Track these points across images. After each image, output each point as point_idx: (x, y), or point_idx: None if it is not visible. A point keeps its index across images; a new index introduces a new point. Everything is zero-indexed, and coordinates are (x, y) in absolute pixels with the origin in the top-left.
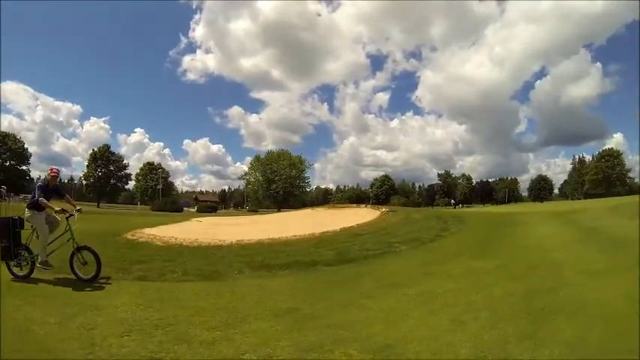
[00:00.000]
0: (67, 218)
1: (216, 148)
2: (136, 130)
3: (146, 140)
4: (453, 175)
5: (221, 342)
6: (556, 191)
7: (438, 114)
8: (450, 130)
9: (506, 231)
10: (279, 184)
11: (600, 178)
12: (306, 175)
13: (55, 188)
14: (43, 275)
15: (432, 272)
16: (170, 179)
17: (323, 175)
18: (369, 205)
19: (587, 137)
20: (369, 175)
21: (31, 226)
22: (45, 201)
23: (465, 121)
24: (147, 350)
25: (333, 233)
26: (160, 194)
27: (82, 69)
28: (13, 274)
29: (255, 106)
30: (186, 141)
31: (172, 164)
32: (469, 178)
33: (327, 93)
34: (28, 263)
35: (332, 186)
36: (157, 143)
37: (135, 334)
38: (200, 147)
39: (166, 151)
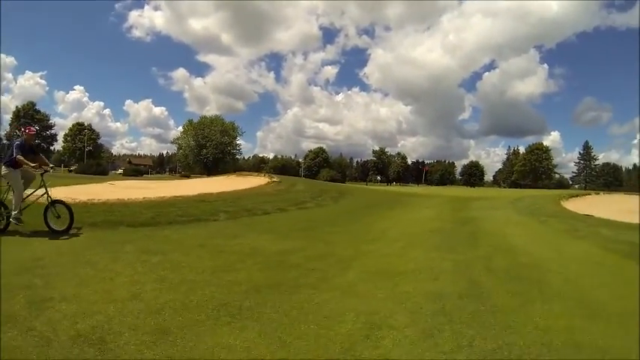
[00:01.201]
0: (41, 175)
1: (158, 110)
2: (75, 87)
3: (85, 99)
4: (389, 153)
5: None
6: (491, 178)
7: (384, 93)
8: (395, 110)
9: (363, 212)
10: (209, 149)
11: (527, 170)
12: (238, 142)
13: (30, 147)
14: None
15: (206, 245)
16: (109, 141)
17: (264, 143)
18: (266, 175)
19: (526, 131)
20: (310, 146)
21: (7, 183)
22: (23, 159)
23: (411, 103)
24: None
25: (186, 197)
26: (84, 156)
27: (17, 16)
28: None
29: (201, 69)
30: (128, 102)
31: (112, 125)
32: (404, 157)
33: (275, 62)
34: (3, 219)
35: (272, 155)
36: (96, 103)
37: None
38: (142, 109)
39: (106, 111)
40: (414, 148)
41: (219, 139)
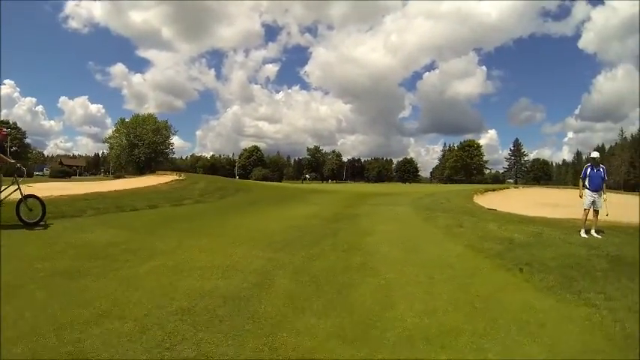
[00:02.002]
0: (15, 172)
1: (95, 108)
2: (4, 81)
3: (16, 94)
4: (323, 151)
5: None
6: (428, 175)
7: (324, 91)
8: (335, 108)
9: (239, 208)
10: (141, 149)
11: (459, 166)
12: (171, 141)
13: (2, 146)
14: None
15: (41, 237)
16: (43, 141)
17: (203, 142)
18: (176, 174)
19: (465, 129)
20: (249, 145)
21: None
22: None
23: (351, 101)
24: None
25: (71, 196)
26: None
27: None
28: None
29: (141, 65)
30: (62, 98)
31: (46, 124)
32: (338, 155)
33: (216, 59)
34: None
35: (212, 154)
36: (28, 98)
37: None
38: (78, 106)
39: (39, 108)
40: (353, 145)
41: (151, 138)
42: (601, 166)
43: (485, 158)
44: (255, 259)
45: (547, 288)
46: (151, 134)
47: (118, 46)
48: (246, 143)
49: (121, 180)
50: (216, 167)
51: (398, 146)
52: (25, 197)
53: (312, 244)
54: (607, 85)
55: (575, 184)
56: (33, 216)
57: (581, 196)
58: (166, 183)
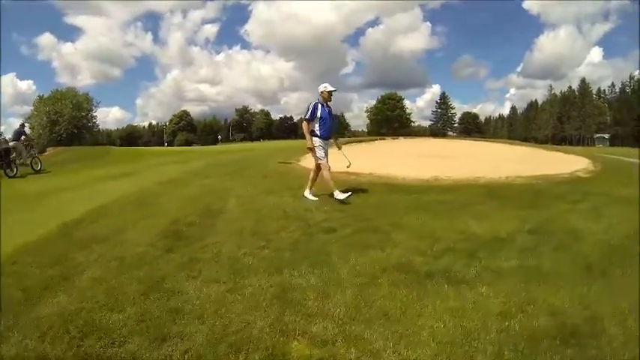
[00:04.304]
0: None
1: (25, 84)
2: None
3: None
4: (252, 111)
5: None
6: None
7: (266, 50)
8: (276, 67)
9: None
10: (62, 125)
11: (381, 119)
12: (94, 114)
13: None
14: None
15: None
16: None
17: (145, 111)
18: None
19: (409, 84)
20: (191, 109)
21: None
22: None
23: (293, 59)
24: None
25: None
26: None
27: None
28: None
29: (70, 33)
30: None
31: None
32: (267, 114)
33: (152, 22)
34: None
35: (153, 122)
36: None
37: None
38: (6, 85)
39: None
40: (296, 104)
41: (71, 114)
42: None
43: (408, 111)
44: None
45: None
46: (71, 109)
47: (43, 14)
48: (189, 108)
49: None
50: (132, 137)
51: (341, 102)
52: (34, 157)
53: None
54: (548, 45)
55: (510, 138)
56: (37, 167)
57: (311, 149)
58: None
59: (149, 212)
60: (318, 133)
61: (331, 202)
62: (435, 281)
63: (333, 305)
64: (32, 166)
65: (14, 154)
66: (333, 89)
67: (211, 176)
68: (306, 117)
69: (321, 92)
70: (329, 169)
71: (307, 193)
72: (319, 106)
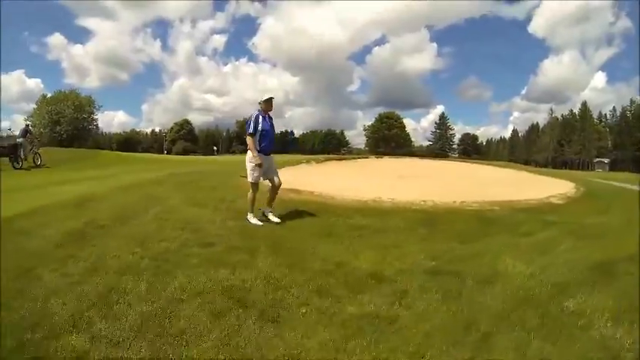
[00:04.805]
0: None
1: (32, 83)
2: None
3: None
4: None
5: None
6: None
7: (272, 63)
8: (282, 80)
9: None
10: (63, 126)
11: (377, 137)
12: (95, 117)
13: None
14: None
15: None
16: None
17: (150, 117)
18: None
19: (414, 104)
20: (196, 119)
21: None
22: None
23: (299, 73)
24: None
25: None
26: None
27: None
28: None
29: (80, 35)
30: None
31: None
32: None
33: (162, 29)
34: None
35: (158, 129)
36: None
37: None
38: (13, 81)
39: None
40: (301, 118)
41: (72, 115)
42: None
43: (407, 131)
44: None
45: None
46: (72, 110)
47: (55, 15)
48: (194, 117)
49: None
50: (131, 143)
51: (346, 119)
52: (36, 152)
53: None
54: (553, 69)
55: (511, 160)
56: (39, 162)
57: (260, 166)
58: None
59: (73, 214)
60: (258, 147)
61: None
62: (246, 314)
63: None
64: (34, 161)
65: (21, 150)
66: (271, 96)
67: (164, 184)
68: (250, 131)
69: (260, 102)
70: (254, 189)
71: (269, 214)
72: (260, 117)
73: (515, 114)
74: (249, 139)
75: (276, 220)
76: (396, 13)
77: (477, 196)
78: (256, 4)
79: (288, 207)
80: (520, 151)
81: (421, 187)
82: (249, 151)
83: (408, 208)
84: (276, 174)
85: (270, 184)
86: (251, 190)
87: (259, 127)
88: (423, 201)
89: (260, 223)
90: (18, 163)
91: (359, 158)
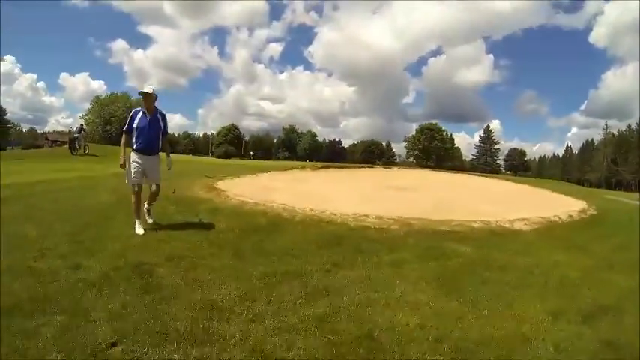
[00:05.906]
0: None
1: (96, 84)
2: (4, 57)
3: (17, 70)
4: (299, 131)
5: None
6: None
7: (328, 72)
8: (338, 90)
9: None
10: (113, 125)
11: (419, 149)
12: None
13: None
14: None
15: None
16: (43, 117)
17: (205, 121)
18: None
19: (469, 118)
20: (251, 125)
21: None
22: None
23: (355, 83)
24: None
25: None
26: None
27: None
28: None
29: (142, 41)
30: (63, 74)
31: (47, 100)
32: (314, 136)
33: (220, 36)
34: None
35: (211, 132)
36: (29, 75)
37: None
38: (79, 82)
39: (40, 84)
40: (356, 128)
41: (122, 116)
42: (160, 111)
43: (460, 145)
44: None
45: None
46: (123, 111)
47: (118, 22)
48: (249, 123)
49: None
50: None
51: (401, 131)
52: (86, 145)
53: None
54: (615, 82)
55: (563, 179)
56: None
57: (123, 167)
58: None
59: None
60: (134, 145)
61: (192, 224)
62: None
63: None
64: (84, 150)
65: (77, 142)
66: (144, 91)
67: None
68: (124, 128)
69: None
70: (135, 193)
71: (146, 213)
72: (138, 114)
73: (574, 130)
74: (123, 140)
75: (149, 221)
76: (452, 23)
77: (430, 214)
78: (312, 13)
79: (229, 214)
80: (573, 169)
81: (391, 201)
82: (132, 152)
83: (321, 222)
84: (157, 179)
85: (150, 189)
86: (132, 194)
87: (134, 125)
88: (365, 215)
89: (142, 232)
90: (74, 151)
91: (361, 168)
